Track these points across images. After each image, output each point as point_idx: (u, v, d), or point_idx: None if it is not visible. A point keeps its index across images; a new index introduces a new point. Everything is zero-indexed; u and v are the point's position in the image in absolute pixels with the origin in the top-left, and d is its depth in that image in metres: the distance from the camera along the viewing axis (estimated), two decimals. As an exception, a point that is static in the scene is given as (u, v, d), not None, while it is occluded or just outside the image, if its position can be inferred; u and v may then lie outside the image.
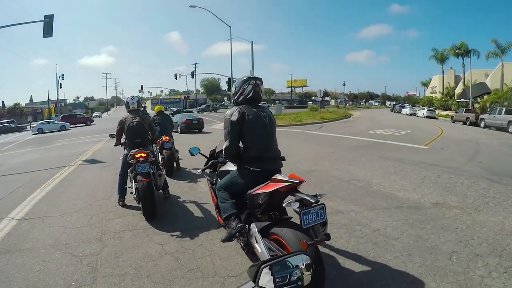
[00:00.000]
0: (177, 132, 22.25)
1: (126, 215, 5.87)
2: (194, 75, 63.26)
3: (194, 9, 34.79)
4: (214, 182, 4.38)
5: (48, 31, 20.19)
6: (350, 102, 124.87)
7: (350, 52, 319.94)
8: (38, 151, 19.49)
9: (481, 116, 28.93)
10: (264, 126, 3.40)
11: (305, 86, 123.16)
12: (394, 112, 62.15)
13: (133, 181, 5.86)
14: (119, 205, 6.32)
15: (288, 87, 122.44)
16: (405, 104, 69.88)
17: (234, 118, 3.34)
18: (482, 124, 27.81)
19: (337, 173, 8.63)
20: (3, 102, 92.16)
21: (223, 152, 3.59)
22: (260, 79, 3.56)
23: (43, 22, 20.16)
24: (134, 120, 6.14)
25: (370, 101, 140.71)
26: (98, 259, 4.24)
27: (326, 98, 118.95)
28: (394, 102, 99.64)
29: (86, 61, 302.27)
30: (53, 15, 20.34)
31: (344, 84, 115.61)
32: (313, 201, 2.75)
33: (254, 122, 3.34)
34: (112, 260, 4.19)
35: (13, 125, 52.00)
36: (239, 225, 3.33)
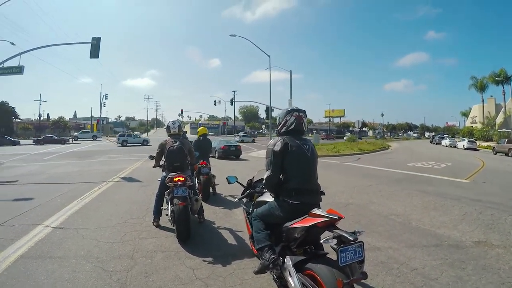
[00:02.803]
0: (214, 157, 22.56)
1: (159, 235, 5.95)
2: (233, 102, 64.38)
3: (235, 38, 35.66)
4: (250, 211, 4.38)
5: (95, 52, 21.64)
6: (389, 133, 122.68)
7: (387, 81, 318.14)
8: (79, 164, 20.33)
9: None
10: (306, 158, 3.40)
11: (343, 116, 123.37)
12: (434, 143, 61.16)
13: (170, 203, 5.97)
14: (154, 225, 6.45)
15: (326, 116, 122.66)
16: (444, 135, 68.15)
17: (277, 148, 3.36)
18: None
19: (375, 207, 8.43)
20: (48, 114, 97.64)
21: (263, 181, 3.60)
22: (304, 111, 3.61)
23: (90, 44, 21.67)
24: (174, 144, 6.33)
25: (409, 132, 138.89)
26: (127, 276, 4.29)
27: (364, 129, 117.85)
28: (433, 133, 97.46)
29: (130, 82, 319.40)
30: (100, 38, 21.85)
31: (382, 115, 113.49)
32: (352, 239, 2.67)
33: (296, 153, 3.35)
34: (142, 279, 4.23)
35: (55, 137, 54.89)
36: (273, 256, 3.30)
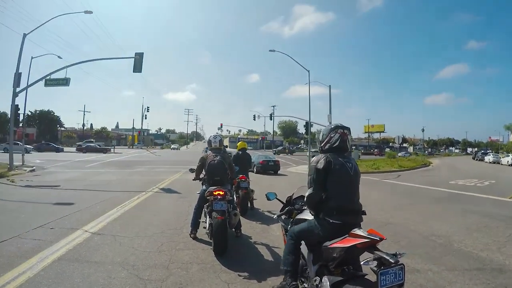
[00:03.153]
0: (252, 172, 22.49)
1: (196, 248, 5.89)
2: (272, 117, 64.30)
3: (273, 53, 35.76)
4: (288, 229, 4.27)
5: (137, 67, 22.47)
6: (429, 149, 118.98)
7: (428, 94, 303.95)
8: (119, 173, 20.92)
9: None
10: (349, 177, 3.30)
11: (383, 131, 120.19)
12: (476, 159, 58.96)
13: (208, 216, 5.98)
14: (191, 237, 6.41)
15: (365, 132, 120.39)
16: (487, 151, 65.17)
17: (320, 166, 3.28)
18: None
19: (416, 227, 8.08)
20: (91, 124, 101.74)
21: (305, 198, 3.51)
22: (348, 129, 3.51)
23: (134, 59, 22.52)
24: (215, 159, 6.37)
25: (451, 148, 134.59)
26: (162, 286, 4.23)
27: (404, 145, 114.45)
28: (475, 149, 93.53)
29: (171, 96, 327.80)
30: (143, 53, 22.74)
31: (423, 130, 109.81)
32: (393, 261, 2.54)
33: (339, 172, 3.25)
34: (176, 289, 4.16)
35: (98, 146, 56.78)
36: (293, 284, 3.39)
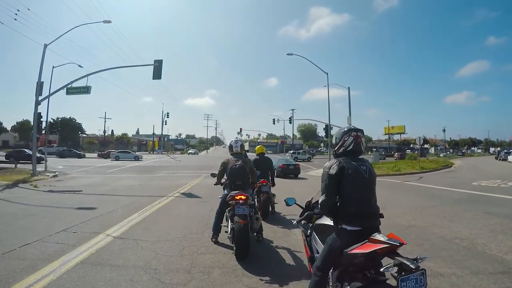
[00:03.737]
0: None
1: (217, 252, 5.87)
2: (292, 121, 64.17)
3: (291, 56, 35.61)
4: (308, 234, 4.24)
5: (157, 74, 22.91)
6: (451, 150, 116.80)
7: (448, 93, 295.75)
8: (140, 178, 21.16)
9: None
10: (364, 181, 3.23)
11: (403, 133, 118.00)
12: (499, 159, 56.69)
13: (230, 221, 5.98)
14: (212, 241, 6.39)
15: (386, 134, 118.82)
16: (511, 151, 63.14)
17: (332, 171, 3.21)
18: None
19: (438, 230, 7.89)
20: (112, 131, 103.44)
21: (319, 205, 3.45)
22: (362, 131, 3.44)
23: (153, 66, 22.96)
24: (236, 163, 6.37)
25: (473, 148, 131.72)
26: (184, 290, 4.20)
27: (426, 146, 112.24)
28: (498, 149, 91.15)
29: (190, 101, 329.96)
30: (162, 60, 23.20)
31: (444, 130, 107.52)
32: (414, 267, 2.49)
33: (353, 176, 3.19)
34: (198, 294, 4.13)
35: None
36: None
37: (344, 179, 3.17)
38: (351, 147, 3.33)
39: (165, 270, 4.86)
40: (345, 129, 3.42)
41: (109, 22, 24.08)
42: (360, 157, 3.41)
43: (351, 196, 3.18)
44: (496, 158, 60.07)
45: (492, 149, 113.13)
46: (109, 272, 4.67)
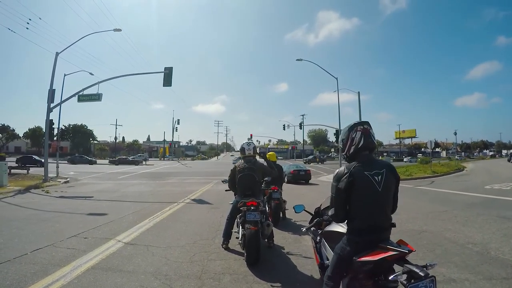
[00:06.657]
0: (283, 181, 22.38)
1: (228, 258, 5.87)
2: (302, 126, 64.14)
3: (300, 62, 35.52)
4: (318, 240, 4.19)
5: (167, 81, 23.12)
6: (463, 153, 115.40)
7: (459, 96, 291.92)
8: (151, 184, 21.26)
9: None
10: (377, 195, 2.97)
11: (414, 137, 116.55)
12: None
13: (241, 227, 5.98)
14: (223, 247, 6.39)
15: (396, 138, 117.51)
16: None
17: (341, 185, 2.99)
18: None
19: (451, 234, 7.78)
20: (123, 137, 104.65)
21: (329, 216, 3.41)
22: (368, 123, 3.19)
23: (163, 73, 23.13)
24: (244, 172, 6.37)
25: (485, 151, 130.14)
26: (195, 296, 4.21)
27: (437, 149, 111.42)
28: (511, 151, 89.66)
29: (200, 108, 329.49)
30: (172, 67, 23.37)
31: (455, 133, 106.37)
32: (423, 274, 2.46)
33: (363, 190, 2.96)
34: (209, 300, 4.13)
35: (129, 159, 58.30)
36: None
37: (353, 193, 2.98)
38: (361, 143, 3.08)
39: (175, 276, 4.86)
40: (350, 125, 3.20)
41: (119, 30, 24.43)
42: (380, 159, 3.29)
43: (361, 211, 3.00)
44: (509, 161, 59.15)
45: (504, 152, 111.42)
46: (119, 278, 4.69)
